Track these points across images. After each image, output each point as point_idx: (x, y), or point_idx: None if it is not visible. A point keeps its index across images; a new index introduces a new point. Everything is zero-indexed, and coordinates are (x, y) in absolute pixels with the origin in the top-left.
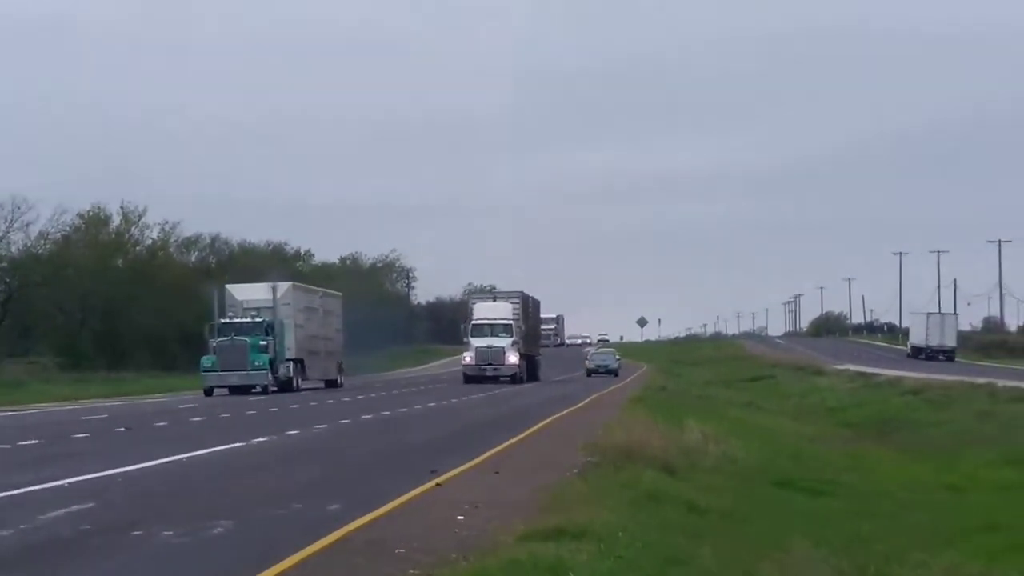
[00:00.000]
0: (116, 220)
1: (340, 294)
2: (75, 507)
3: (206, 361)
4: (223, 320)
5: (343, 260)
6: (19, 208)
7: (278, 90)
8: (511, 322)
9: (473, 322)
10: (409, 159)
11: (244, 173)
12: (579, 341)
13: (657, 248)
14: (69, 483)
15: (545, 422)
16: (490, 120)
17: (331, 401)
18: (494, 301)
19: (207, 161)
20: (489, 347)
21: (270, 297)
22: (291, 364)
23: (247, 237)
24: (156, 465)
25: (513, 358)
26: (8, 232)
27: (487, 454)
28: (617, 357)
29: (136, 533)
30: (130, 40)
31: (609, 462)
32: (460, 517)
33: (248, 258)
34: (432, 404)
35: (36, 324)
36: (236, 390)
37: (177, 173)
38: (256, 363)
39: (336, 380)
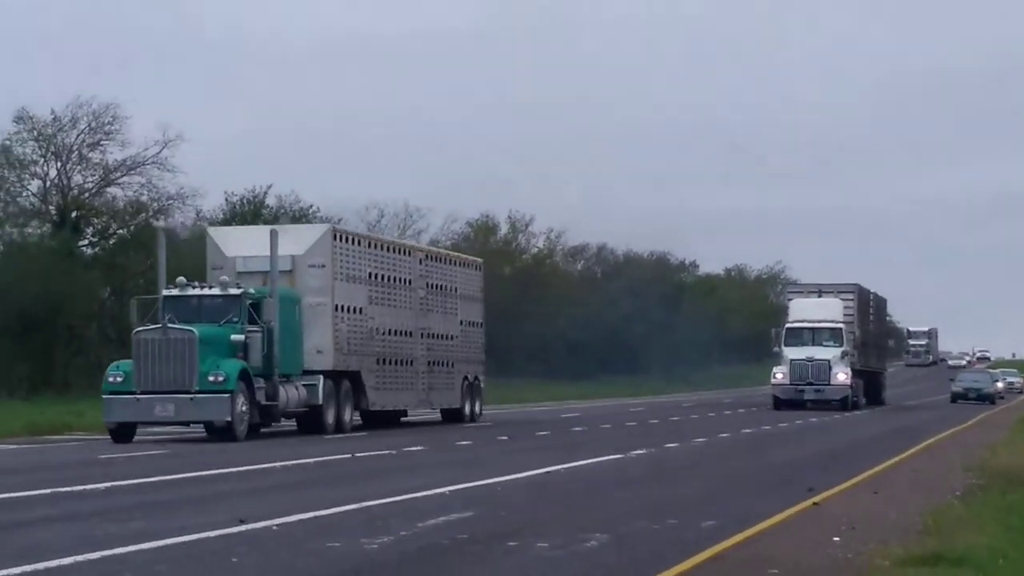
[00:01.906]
0: (504, 228)
1: (479, 260)
2: (454, 515)
3: (113, 372)
4: (168, 292)
5: (728, 271)
6: (411, 216)
7: (669, 100)
8: (841, 326)
9: (788, 325)
10: (790, 168)
11: (628, 182)
12: (964, 361)
13: None
14: (450, 491)
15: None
16: (863, 129)
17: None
18: (819, 296)
19: (590, 171)
20: (809, 360)
21: (275, 253)
22: (322, 382)
23: (632, 247)
24: (536, 475)
25: (843, 375)
26: (400, 239)
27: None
28: (999, 380)
29: (512, 544)
30: (507, 52)
31: (994, 485)
32: (836, 539)
33: (632, 268)
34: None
35: None
36: (212, 431)
37: (563, 183)
38: (212, 378)
39: (462, 411)
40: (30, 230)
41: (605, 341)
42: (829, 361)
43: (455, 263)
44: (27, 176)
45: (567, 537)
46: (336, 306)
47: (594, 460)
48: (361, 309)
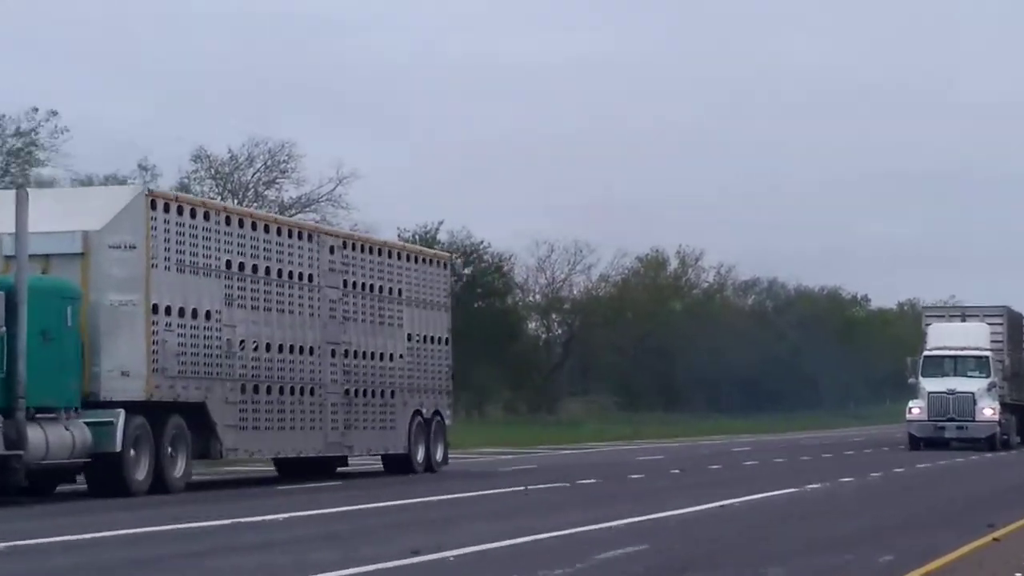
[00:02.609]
0: (673, 263)
1: (444, 255)
2: (629, 548)
3: None
4: None
5: (900, 306)
6: (581, 252)
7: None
8: (987, 353)
9: (926, 353)
10: (959, 198)
11: (800, 217)
12: None
13: None
14: (624, 524)
15: None
16: None
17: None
18: (962, 321)
19: (761, 207)
20: (950, 393)
21: (23, 226)
22: (122, 419)
23: (803, 282)
24: (709, 509)
25: (989, 410)
26: (571, 274)
27: None
28: None
29: None
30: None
31: None
32: (1018, 574)
33: (802, 302)
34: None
35: (595, 364)
36: None
37: (733, 217)
38: None
39: (410, 457)
40: None
41: (776, 375)
42: (973, 394)
43: (400, 256)
44: None
45: (742, 570)
46: (155, 307)
47: (768, 494)
48: (209, 313)
